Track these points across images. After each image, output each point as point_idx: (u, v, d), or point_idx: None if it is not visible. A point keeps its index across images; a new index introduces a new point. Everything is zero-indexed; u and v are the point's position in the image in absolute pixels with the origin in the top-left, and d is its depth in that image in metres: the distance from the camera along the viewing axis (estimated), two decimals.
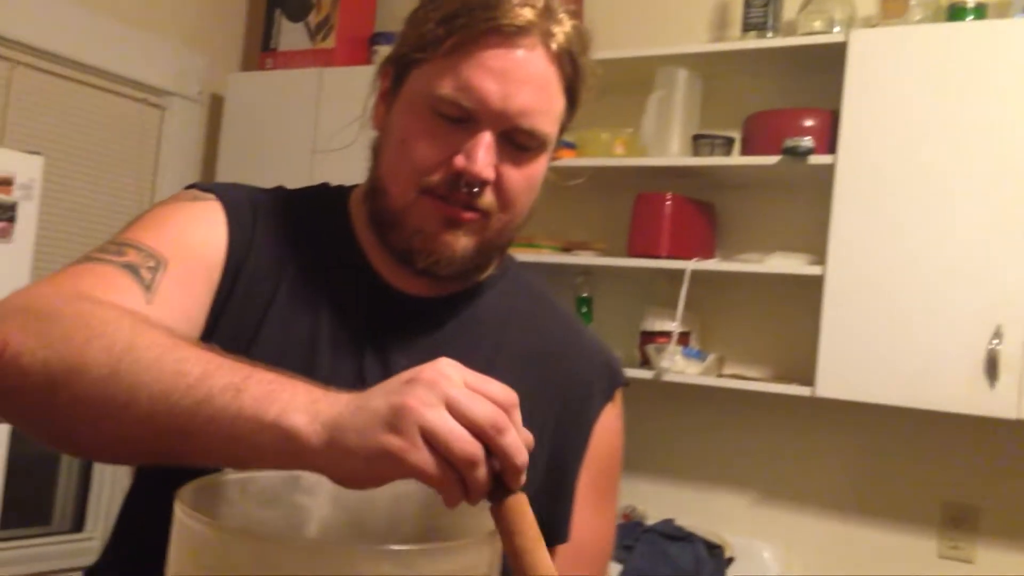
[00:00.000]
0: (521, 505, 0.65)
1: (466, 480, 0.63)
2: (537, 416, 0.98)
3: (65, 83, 3.03)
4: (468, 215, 0.93)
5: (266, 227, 0.98)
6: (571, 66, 0.94)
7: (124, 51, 3.14)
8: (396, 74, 0.97)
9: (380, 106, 1.00)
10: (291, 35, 3.38)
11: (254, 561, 0.59)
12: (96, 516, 3.18)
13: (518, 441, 0.65)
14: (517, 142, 0.93)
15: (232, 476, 0.73)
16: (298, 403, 0.65)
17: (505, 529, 0.64)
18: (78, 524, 3.18)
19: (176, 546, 0.63)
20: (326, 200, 1.06)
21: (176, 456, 0.70)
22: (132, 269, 0.86)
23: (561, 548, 1.01)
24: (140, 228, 0.92)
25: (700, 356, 2.61)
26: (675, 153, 2.70)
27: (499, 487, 0.65)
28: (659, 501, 2.74)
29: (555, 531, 1.00)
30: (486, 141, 0.91)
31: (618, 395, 1.08)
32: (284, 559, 0.59)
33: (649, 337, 2.67)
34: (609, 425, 1.06)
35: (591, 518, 1.03)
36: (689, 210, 2.69)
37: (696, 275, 2.58)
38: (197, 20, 3.44)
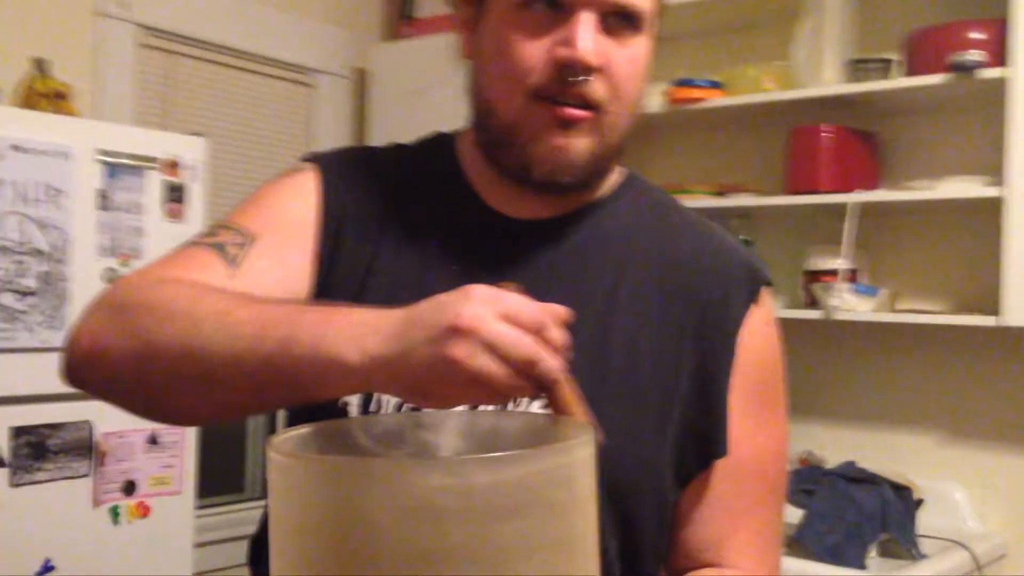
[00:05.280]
0: (570, 386, 0.70)
1: (530, 376, 0.67)
2: (673, 327, 0.97)
3: (219, 68, 3.15)
4: (581, 113, 0.90)
5: (371, 178, 1.01)
6: None
7: (272, 34, 3.24)
8: None
9: (465, 34, 0.98)
10: (428, 2, 3.40)
11: (310, 481, 0.60)
12: None
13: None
14: (614, 23, 0.90)
15: (355, 421, 0.78)
16: (345, 334, 0.70)
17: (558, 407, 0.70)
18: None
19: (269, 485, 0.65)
20: (434, 144, 1.06)
21: (258, 407, 0.85)
22: (219, 248, 0.92)
23: (720, 463, 0.96)
24: (238, 210, 0.99)
25: (871, 292, 2.49)
26: (830, 82, 2.57)
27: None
28: (837, 445, 2.64)
29: (709, 445, 0.96)
30: (587, 22, 0.88)
31: (764, 297, 1.00)
32: (337, 476, 0.59)
33: (814, 276, 2.58)
34: (758, 330, 0.98)
35: (752, 432, 0.97)
36: (849, 141, 2.55)
37: (861, 208, 2.46)
38: None
